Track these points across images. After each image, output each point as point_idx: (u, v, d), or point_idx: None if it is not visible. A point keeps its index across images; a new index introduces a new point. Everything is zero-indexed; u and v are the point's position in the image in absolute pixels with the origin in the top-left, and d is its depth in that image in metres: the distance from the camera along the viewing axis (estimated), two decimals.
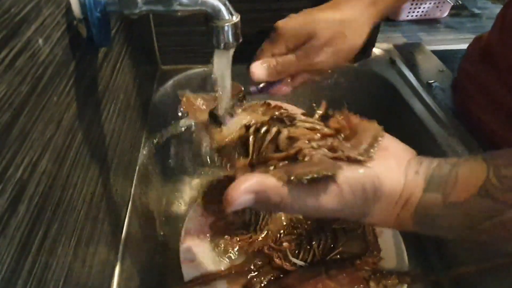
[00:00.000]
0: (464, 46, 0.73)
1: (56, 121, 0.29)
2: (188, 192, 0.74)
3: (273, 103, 0.37)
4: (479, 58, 0.66)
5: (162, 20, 0.70)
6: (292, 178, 0.27)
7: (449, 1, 0.99)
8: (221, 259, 0.60)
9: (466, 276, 0.52)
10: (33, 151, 0.26)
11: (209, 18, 0.36)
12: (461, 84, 0.69)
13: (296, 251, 0.57)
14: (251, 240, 0.59)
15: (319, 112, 0.35)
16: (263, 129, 0.32)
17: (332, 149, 0.29)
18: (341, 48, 0.46)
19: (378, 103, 0.75)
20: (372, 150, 0.29)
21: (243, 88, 0.42)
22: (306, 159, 0.28)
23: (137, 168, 0.55)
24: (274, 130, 0.32)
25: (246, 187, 0.28)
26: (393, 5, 0.50)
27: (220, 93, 0.40)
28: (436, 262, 0.61)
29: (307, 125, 0.32)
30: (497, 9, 1.04)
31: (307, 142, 0.30)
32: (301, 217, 0.61)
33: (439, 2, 0.99)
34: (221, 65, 0.39)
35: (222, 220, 0.64)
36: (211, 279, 0.56)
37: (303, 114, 0.35)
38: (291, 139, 0.31)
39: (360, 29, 0.47)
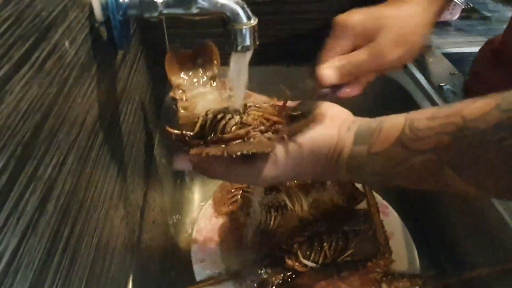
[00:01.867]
0: (475, 49, 0.73)
1: (80, 121, 0.30)
2: (199, 192, 0.75)
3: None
4: (491, 61, 0.66)
5: (175, 22, 0.71)
6: (224, 152, 0.32)
7: (460, 4, 0.98)
8: (232, 259, 0.60)
9: (478, 279, 0.52)
10: (60, 151, 0.26)
11: (227, 21, 0.36)
12: (473, 87, 0.68)
13: (308, 253, 0.57)
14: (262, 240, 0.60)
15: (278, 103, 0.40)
16: (219, 116, 0.38)
17: (276, 131, 0.36)
18: (410, 44, 0.44)
19: (389, 106, 0.75)
20: (299, 134, 0.34)
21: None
22: (250, 139, 0.35)
23: (151, 168, 0.56)
24: (228, 117, 0.37)
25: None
26: (445, 5, 0.49)
27: (236, 93, 0.42)
28: (447, 265, 0.60)
29: (258, 113, 0.37)
30: (508, 12, 1.03)
31: (255, 127, 0.36)
32: (312, 218, 0.61)
33: (449, 5, 0.98)
34: (238, 67, 0.40)
35: (233, 221, 0.65)
36: (223, 279, 0.57)
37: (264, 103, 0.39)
38: (242, 125, 0.36)
39: (423, 25, 0.45)
